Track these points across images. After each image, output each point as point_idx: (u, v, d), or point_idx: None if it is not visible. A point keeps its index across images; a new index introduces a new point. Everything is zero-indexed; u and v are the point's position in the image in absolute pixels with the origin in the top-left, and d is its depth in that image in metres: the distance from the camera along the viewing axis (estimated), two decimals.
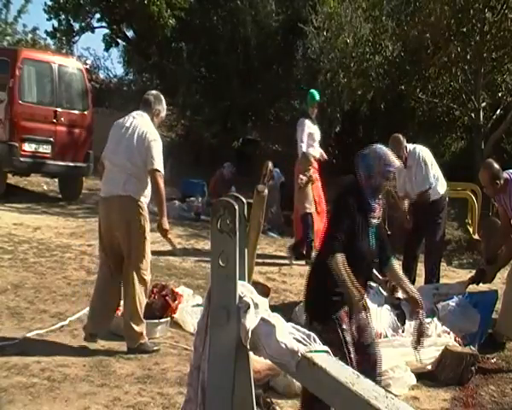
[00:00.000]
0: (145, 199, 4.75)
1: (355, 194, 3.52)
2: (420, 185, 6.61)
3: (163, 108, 4.96)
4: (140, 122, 4.76)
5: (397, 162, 3.60)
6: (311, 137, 8.10)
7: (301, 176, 7.96)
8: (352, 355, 3.41)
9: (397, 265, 3.73)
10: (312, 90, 8.47)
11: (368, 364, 3.48)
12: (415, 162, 6.60)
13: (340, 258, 3.33)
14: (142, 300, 4.74)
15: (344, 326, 3.41)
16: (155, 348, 4.77)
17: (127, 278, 4.71)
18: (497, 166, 5.51)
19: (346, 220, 3.43)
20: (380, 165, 3.50)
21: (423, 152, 6.70)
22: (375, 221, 3.52)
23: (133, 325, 4.68)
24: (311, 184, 8.07)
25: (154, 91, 5.08)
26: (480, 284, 6.05)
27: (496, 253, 5.88)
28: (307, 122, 7.80)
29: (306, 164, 7.30)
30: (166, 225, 4.81)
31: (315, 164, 8.13)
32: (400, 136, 6.70)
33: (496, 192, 5.57)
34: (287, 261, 8.26)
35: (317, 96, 8.29)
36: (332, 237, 3.45)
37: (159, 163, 4.67)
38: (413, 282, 6.70)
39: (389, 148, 6.78)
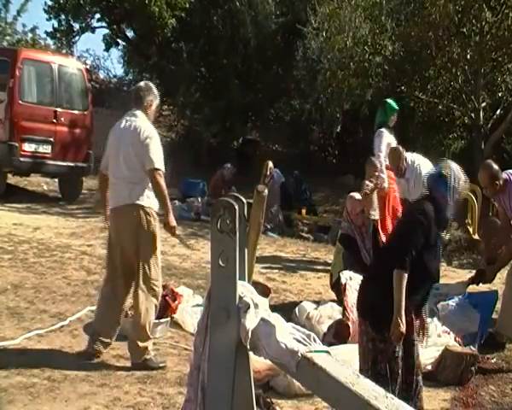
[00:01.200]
0: (154, 205, 4.58)
1: (431, 212, 3.56)
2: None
3: (155, 96, 4.73)
4: (133, 124, 4.57)
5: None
6: (389, 147, 7.89)
7: (367, 182, 7.79)
8: (400, 370, 3.49)
9: None
10: (389, 100, 8.29)
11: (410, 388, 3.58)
12: (413, 176, 6.66)
13: (405, 277, 3.37)
14: (151, 315, 4.55)
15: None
16: (161, 364, 4.52)
17: (136, 290, 4.54)
18: (496, 166, 5.51)
19: (421, 237, 3.49)
20: (460, 182, 3.70)
21: (422, 166, 6.72)
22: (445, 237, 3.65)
23: (138, 342, 4.50)
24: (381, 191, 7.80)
25: (141, 83, 4.88)
26: (480, 284, 6.04)
27: (496, 253, 5.88)
28: (385, 132, 7.55)
29: (371, 170, 7.09)
30: (173, 222, 4.62)
31: (391, 174, 7.83)
32: (400, 148, 6.73)
33: (495, 193, 5.57)
34: (287, 261, 8.26)
35: (396, 105, 8.07)
36: (403, 252, 3.46)
37: (157, 161, 4.49)
38: None
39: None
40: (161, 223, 4.68)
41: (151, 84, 4.83)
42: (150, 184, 4.53)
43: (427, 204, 3.60)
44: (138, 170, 4.51)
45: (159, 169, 4.50)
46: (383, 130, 7.64)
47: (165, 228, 4.66)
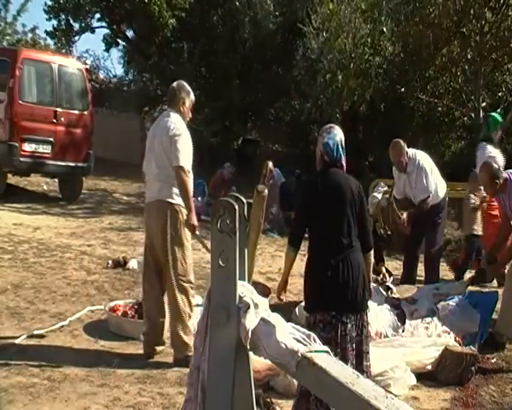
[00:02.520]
0: (182, 202, 4.63)
1: None
2: (419, 193, 6.66)
3: (187, 93, 4.81)
4: (164, 123, 4.67)
5: None
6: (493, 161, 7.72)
7: (472, 196, 7.72)
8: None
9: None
10: (493, 114, 8.16)
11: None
12: (414, 169, 6.64)
13: None
14: (184, 308, 4.63)
15: None
16: None
17: (168, 286, 4.65)
18: (496, 165, 5.52)
19: None
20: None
21: (423, 159, 6.72)
22: None
23: (181, 333, 4.56)
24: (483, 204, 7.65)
25: (174, 83, 4.93)
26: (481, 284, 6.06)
27: (496, 253, 5.88)
28: (488, 147, 7.39)
29: (475, 184, 6.98)
30: (194, 221, 4.63)
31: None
32: (401, 141, 6.71)
33: (495, 192, 5.57)
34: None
35: (500, 118, 7.97)
36: None
37: (182, 159, 4.55)
38: (413, 282, 6.70)
39: (390, 153, 6.79)
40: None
41: (183, 83, 4.90)
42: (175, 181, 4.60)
43: None
44: (166, 167, 4.59)
45: (183, 167, 4.56)
46: (486, 144, 7.46)
47: (185, 226, 4.67)
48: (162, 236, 4.58)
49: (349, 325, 3.40)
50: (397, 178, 6.94)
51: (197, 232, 4.78)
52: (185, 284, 4.67)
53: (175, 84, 4.90)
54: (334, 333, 3.37)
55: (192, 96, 4.87)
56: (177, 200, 4.61)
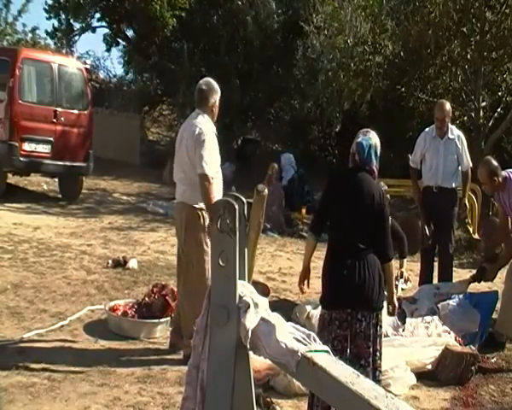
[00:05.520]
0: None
1: None
2: (465, 162, 6.39)
3: (216, 93, 4.75)
4: (192, 127, 4.63)
5: None
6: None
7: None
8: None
9: None
10: None
11: None
12: (456, 138, 6.40)
13: None
14: (193, 312, 4.58)
15: None
16: None
17: (188, 283, 4.64)
18: (495, 162, 5.50)
19: None
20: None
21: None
22: None
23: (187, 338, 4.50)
24: None
25: (203, 83, 4.82)
26: (482, 283, 6.04)
27: (494, 252, 5.87)
28: None
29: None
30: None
31: None
32: (444, 101, 6.46)
33: (494, 189, 5.54)
34: (287, 261, 8.26)
35: None
36: None
37: (206, 167, 4.50)
38: (431, 281, 6.45)
39: (437, 110, 6.37)
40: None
41: (211, 81, 4.83)
42: (198, 185, 4.58)
43: None
44: (190, 172, 4.61)
45: (207, 175, 4.51)
46: None
47: (207, 231, 4.63)
48: (185, 237, 4.67)
49: (364, 323, 3.46)
50: (422, 146, 6.47)
51: None
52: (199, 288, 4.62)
53: (204, 85, 4.79)
54: (350, 331, 3.44)
55: (217, 96, 4.80)
56: (200, 204, 4.62)
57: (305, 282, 3.85)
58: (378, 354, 3.55)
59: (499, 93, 13.00)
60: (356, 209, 3.53)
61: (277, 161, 11.98)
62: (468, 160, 6.45)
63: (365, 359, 3.45)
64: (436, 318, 5.40)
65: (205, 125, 4.64)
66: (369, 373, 3.40)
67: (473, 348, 4.98)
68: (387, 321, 5.29)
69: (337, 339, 3.45)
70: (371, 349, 3.49)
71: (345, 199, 3.57)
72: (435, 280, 6.50)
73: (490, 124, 12.68)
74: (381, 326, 3.57)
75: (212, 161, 4.59)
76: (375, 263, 3.51)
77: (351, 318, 3.45)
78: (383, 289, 3.60)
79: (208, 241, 4.56)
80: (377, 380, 3.41)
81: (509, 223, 5.64)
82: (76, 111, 11.01)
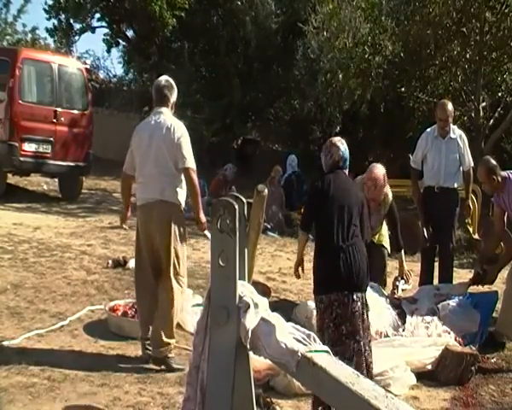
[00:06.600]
0: (182, 202, 4.68)
1: None
2: (467, 161, 6.37)
3: (174, 90, 4.75)
4: (162, 123, 4.60)
5: None
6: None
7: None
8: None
9: None
10: None
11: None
12: (458, 138, 6.39)
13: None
14: (176, 310, 4.59)
15: None
16: (181, 367, 4.43)
17: (165, 284, 4.56)
18: (493, 161, 5.50)
19: None
20: None
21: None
22: None
23: (163, 337, 4.50)
24: None
25: (162, 79, 4.80)
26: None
27: (492, 253, 5.87)
28: None
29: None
30: (204, 219, 4.71)
31: None
32: (446, 101, 6.47)
33: (493, 188, 5.53)
34: (287, 261, 8.26)
35: None
36: None
37: (190, 160, 4.59)
38: (431, 282, 6.43)
39: (439, 110, 6.39)
40: (191, 220, 4.82)
41: (170, 79, 4.83)
42: (178, 181, 4.60)
43: None
44: (169, 167, 4.58)
45: (193, 168, 4.61)
46: None
47: (196, 225, 4.79)
48: (165, 235, 4.55)
49: (359, 303, 3.87)
50: (424, 146, 6.45)
51: (207, 231, 4.74)
52: (184, 286, 4.69)
53: (165, 82, 4.76)
54: (348, 311, 3.83)
55: (175, 96, 4.80)
56: (181, 200, 4.64)
57: (300, 269, 4.40)
58: (367, 331, 3.98)
59: (499, 93, 13.01)
60: (351, 203, 4.03)
61: (283, 163, 12.04)
62: (469, 159, 6.45)
63: (359, 334, 3.86)
64: (436, 318, 5.40)
65: (177, 120, 4.67)
66: (362, 346, 3.85)
67: (473, 348, 4.98)
68: (388, 321, 5.30)
69: (337, 318, 3.84)
70: (364, 324, 3.92)
71: (342, 195, 4.02)
72: (435, 280, 6.50)
73: (490, 124, 12.69)
74: (367, 304, 3.99)
75: (192, 154, 4.64)
76: (363, 249, 4.01)
77: (347, 299, 3.83)
78: (369, 272, 4.07)
79: (186, 234, 4.69)
80: (369, 362, 3.89)
81: (505, 225, 5.63)
82: (76, 111, 11.02)
